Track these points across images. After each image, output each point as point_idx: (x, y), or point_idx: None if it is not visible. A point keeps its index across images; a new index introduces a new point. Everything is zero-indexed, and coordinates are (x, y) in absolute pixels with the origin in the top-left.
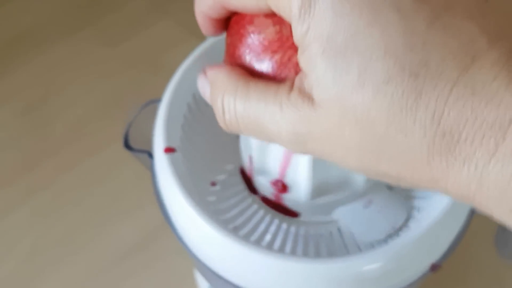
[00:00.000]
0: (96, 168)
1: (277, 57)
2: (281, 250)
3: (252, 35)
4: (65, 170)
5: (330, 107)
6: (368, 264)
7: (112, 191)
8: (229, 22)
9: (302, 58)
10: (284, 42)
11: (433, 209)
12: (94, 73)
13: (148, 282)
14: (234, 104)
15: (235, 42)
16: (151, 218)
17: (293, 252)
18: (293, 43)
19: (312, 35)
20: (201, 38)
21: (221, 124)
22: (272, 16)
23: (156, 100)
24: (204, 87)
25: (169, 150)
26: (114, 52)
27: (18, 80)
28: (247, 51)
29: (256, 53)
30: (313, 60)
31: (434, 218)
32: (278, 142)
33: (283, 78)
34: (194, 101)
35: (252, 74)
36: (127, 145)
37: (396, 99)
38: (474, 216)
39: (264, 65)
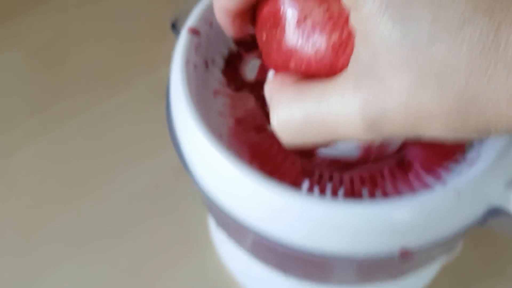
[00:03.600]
0: (109, 113)
1: (334, 37)
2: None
3: (297, 24)
4: (76, 114)
5: (403, 70)
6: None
7: (125, 135)
8: (258, 17)
9: (359, 20)
10: (337, 19)
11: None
12: (106, 19)
13: (159, 228)
14: (290, 115)
15: (277, 36)
16: (165, 164)
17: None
18: (346, 18)
19: None
20: None
21: (286, 144)
22: None
23: None
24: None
25: (193, 31)
26: None
27: (27, 22)
28: (297, 42)
29: (309, 42)
30: (375, 18)
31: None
32: (352, 137)
33: (345, 60)
34: None
35: (308, 67)
36: (174, 27)
37: (475, 41)
38: None
39: (322, 51)
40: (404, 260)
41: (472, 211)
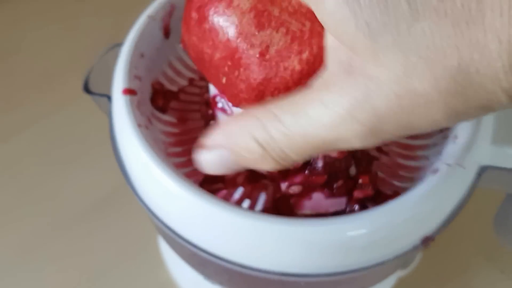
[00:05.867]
0: (60, 124)
1: (305, 54)
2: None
3: (261, 57)
4: (27, 125)
5: (387, 59)
6: (353, 230)
7: (75, 147)
8: (208, 65)
9: (325, 16)
10: (301, 37)
11: (431, 178)
12: (60, 26)
13: (108, 242)
14: (270, 139)
15: (242, 76)
16: (116, 177)
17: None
18: (311, 31)
19: None
20: None
21: (269, 168)
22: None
23: (121, 44)
24: (210, 159)
25: (128, 91)
26: (79, 5)
27: None
28: (267, 73)
29: (280, 68)
30: (343, 10)
31: (430, 186)
32: (346, 147)
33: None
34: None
35: (287, 91)
36: (86, 89)
37: (457, 12)
38: (475, 192)
39: (297, 71)
40: (426, 247)
41: (470, 175)
